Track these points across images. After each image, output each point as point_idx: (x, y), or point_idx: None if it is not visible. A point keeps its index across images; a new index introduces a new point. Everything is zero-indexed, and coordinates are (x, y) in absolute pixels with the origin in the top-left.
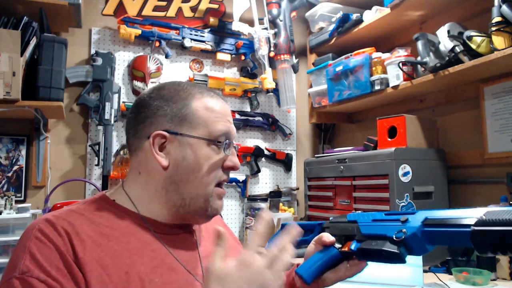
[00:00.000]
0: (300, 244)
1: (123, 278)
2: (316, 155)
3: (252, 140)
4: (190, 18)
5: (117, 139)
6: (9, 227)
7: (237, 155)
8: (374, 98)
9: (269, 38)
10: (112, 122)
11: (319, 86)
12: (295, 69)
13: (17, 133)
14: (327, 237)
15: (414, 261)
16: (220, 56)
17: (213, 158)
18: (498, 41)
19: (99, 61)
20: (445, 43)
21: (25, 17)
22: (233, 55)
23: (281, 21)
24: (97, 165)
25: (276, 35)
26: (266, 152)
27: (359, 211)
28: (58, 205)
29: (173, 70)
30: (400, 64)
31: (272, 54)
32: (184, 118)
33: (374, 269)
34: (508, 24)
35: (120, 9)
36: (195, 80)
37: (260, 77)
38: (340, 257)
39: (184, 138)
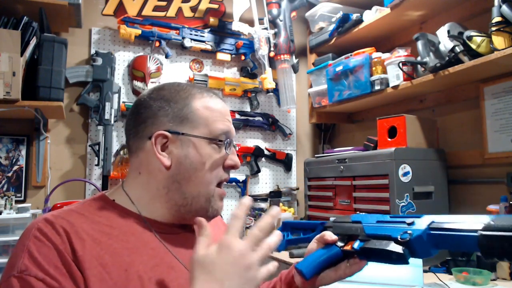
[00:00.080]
0: (302, 241)
1: (122, 276)
2: (316, 155)
3: (252, 140)
4: (190, 18)
5: (117, 139)
6: (9, 227)
7: (237, 155)
8: (374, 98)
9: (269, 38)
10: (112, 122)
11: (319, 86)
12: (295, 69)
13: (17, 133)
14: (329, 235)
15: (414, 261)
16: (220, 56)
17: (215, 156)
18: (498, 41)
19: (99, 61)
20: (445, 43)
21: (25, 17)
22: (233, 55)
23: (281, 21)
24: (97, 165)
25: (276, 35)
26: (266, 152)
27: (363, 213)
28: (58, 205)
29: (173, 70)
30: (400, 64)
31: (272, 54)
32: (185, 117)
33: (374, 269)
34: (508, 24)
35: (120, 9)
36: (195, 80)
37: (260, 77)
38: (341, 255)
39: (185, 138)
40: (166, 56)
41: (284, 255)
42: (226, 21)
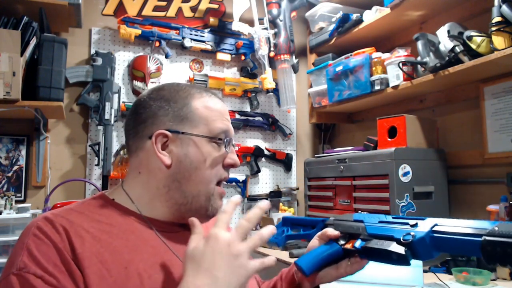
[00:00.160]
0: (302, 238)
1: (122, 273)
2: (316, 155)
3: (252, 140)
4: (190, 18)
5: (117, 139)
6: (9, 227)
7: (237, 155)
8: (374, 98)
9: (269, 38)
10: (112, 122)
11: (319, 86)
12: (295, 69)
13: (17, 133)
14: (331, 231)
15: (414, 261)
16: (220, 56)
17: (214, 154)
18: (498, 41)
19: (99, 61)
20: (445, 43)
21: (25, 17)
22: (233, 55)
23: (281, 21)
24: (97, 165)
25: (276, 35)
26: (266, 152)
27: (365, 212)
28: (58, 205)
29: (173, 70)
30: (400, 64)
31: (272, 54)
32: (185, 117)
33: (374, 269)
34: (508, 24)
35: (120, 9)
36: (195, 80)
37: (260, 77)
38: (342, 253)
39: (185, 137)
40: (166, 56)
41: (284, 255)
42: (226, 21)
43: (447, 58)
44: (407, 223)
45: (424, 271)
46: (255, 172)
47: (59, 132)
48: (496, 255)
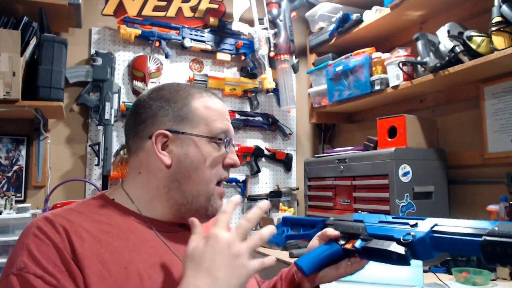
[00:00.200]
0: (302, 237)
1: (122, 273)
2: (316, 155)
3: (252, 140)
4: (190, 18)
5: (117, 139)
6: (9, 227)
7: (237, 155)
8: (374, 98)
9: (269, 38)
10: (112, 122)
11: (319, 86)
12: (295, 69)
13: (17, 133)
14: (331, 231)
15: (414, 261)
16: (220, 56)
17: (214, 154)
18: (498, 41)
19: (99, 61)
20: (445, 43)
21: (25, 17)
22: (233, 55)
23: (281, 21)
24: (97, 165)
25: (276, 35)
26: (266, 152)
27: (365, 212)
28: (58, 205)
29: (173, 70)
30: (400, 64)
31: (272, 54)
32: (185, 117)
33: (374, 269)
34: (508, 24)
35: (120, 9)
36: (195, 80)
37: (260, 77)
38: (342, 253)
39: (185, 137)
40: (166, 56)
41: (284, 255)
42: (226, 21)
43: (447, 58)
44: (407, 223)
45: (424, 271)
46: (255, 172)
47: (59, 132)
48: (496, 255)
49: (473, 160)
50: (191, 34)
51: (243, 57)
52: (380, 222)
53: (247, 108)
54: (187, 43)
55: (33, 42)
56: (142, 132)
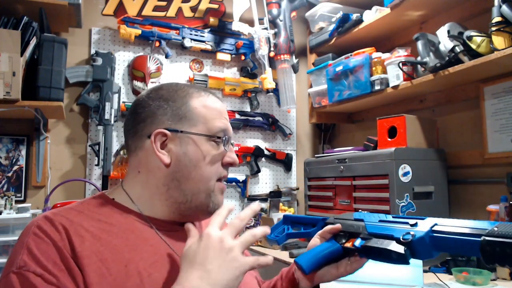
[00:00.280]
0: (303, 236)
1: (122, 271)
2: (316, 155)
3: (252, 140)
4: (190, 18)
5: (117, 139)
6: (9, 227)
7: (237, 155)
8: (374, 98)
9: (269, 38)
10: (112, 122)
11: (319, 86)
12: (295, 69)
13: (17, 133)
14: (332, 226)
15: (414, 261)
16: (220, 56)
17: (213, 152)
18: (498, 41)
19: (99, 61)
20: (445, 43)
21: (25, 17)
22: (233, 55)
23: (281, 21)
24: (97, 165)
25: (276, 35)
26: (266, 152)
27: (365, 211)
28: (58, 205)
29: (173, 70)
30: (400, 64)
31: (272, 54)
32: (183, 116)
33: (374, 269)
34: (508, 24)
35: (120, 9)
36: (195, 80)
37: (260, 77)
38: (342, 252)
39: (184, 135)
40: (166, 56)
41: (284, 255)
42: (226, 21)
43: (447, 58)
44: (407, 223)
45: (424, 271)
46: (255, 172)
47: (59, 132)
48: (495, 255)
49: (473, 160)
50: (191, 34)
51: (243, 57)
52: (380, 221)
53: (247, 108)
54: (187, 43)
55: (33, 42)
56: (141, 131)
